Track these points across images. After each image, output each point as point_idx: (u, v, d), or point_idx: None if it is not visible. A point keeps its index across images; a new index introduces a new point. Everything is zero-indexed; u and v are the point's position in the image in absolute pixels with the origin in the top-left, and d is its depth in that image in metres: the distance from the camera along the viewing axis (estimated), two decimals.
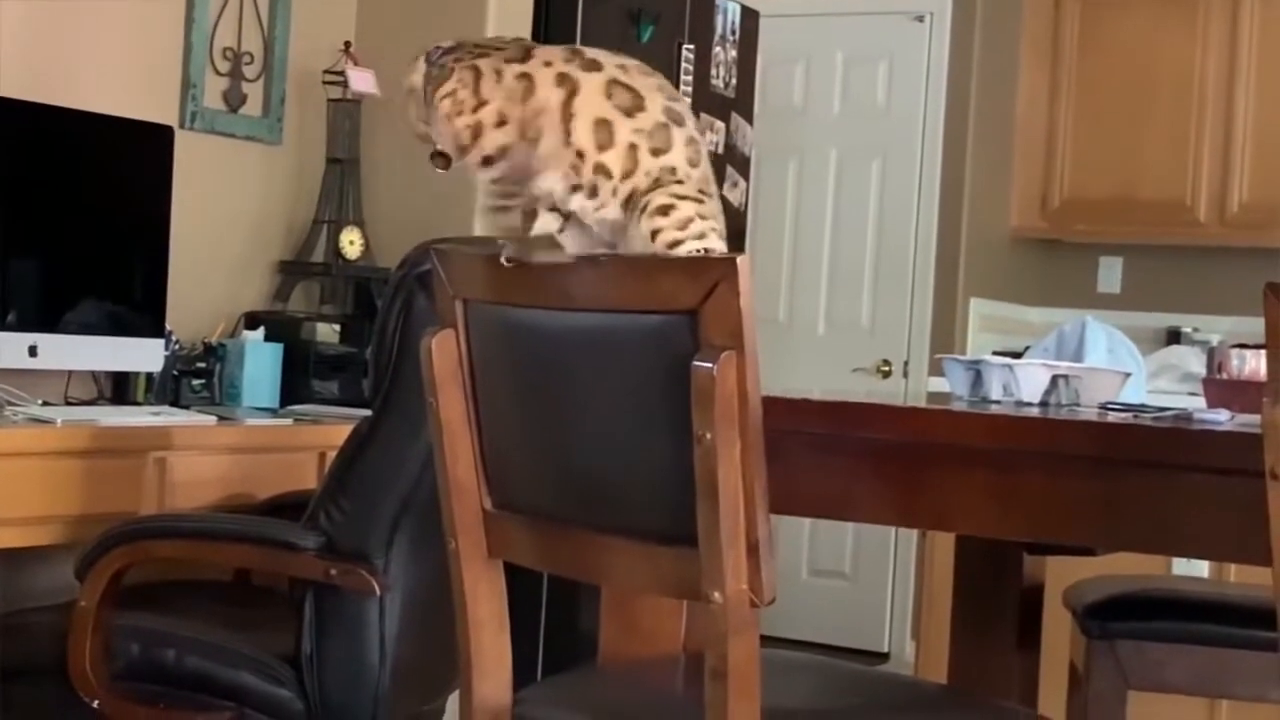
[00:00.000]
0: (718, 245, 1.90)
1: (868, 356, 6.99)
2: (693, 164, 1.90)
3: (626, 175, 1.89)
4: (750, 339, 1.76)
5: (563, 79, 1.88)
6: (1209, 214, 6.71)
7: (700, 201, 1.90)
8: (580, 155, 1.88)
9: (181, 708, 3.03)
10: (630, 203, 1.90)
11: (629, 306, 1.86)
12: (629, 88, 1.89)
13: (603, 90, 1.88)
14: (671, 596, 1.87)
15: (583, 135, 1.88)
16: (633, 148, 1.88)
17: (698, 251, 1.88)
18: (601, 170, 1.89)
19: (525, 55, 1.90)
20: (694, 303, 1.77)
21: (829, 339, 7.09)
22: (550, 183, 1.90)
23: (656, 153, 1.89)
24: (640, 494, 1.88)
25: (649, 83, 1.91)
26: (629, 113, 1.88)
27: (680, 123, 1.91)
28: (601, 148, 1.88)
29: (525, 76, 1.88)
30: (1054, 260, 7.34)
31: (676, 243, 1.88)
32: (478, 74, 1.89)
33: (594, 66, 1.89)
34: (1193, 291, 7.01)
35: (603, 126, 1.88)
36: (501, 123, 1.89)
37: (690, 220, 1.88)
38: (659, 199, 1.88)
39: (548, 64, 1.89)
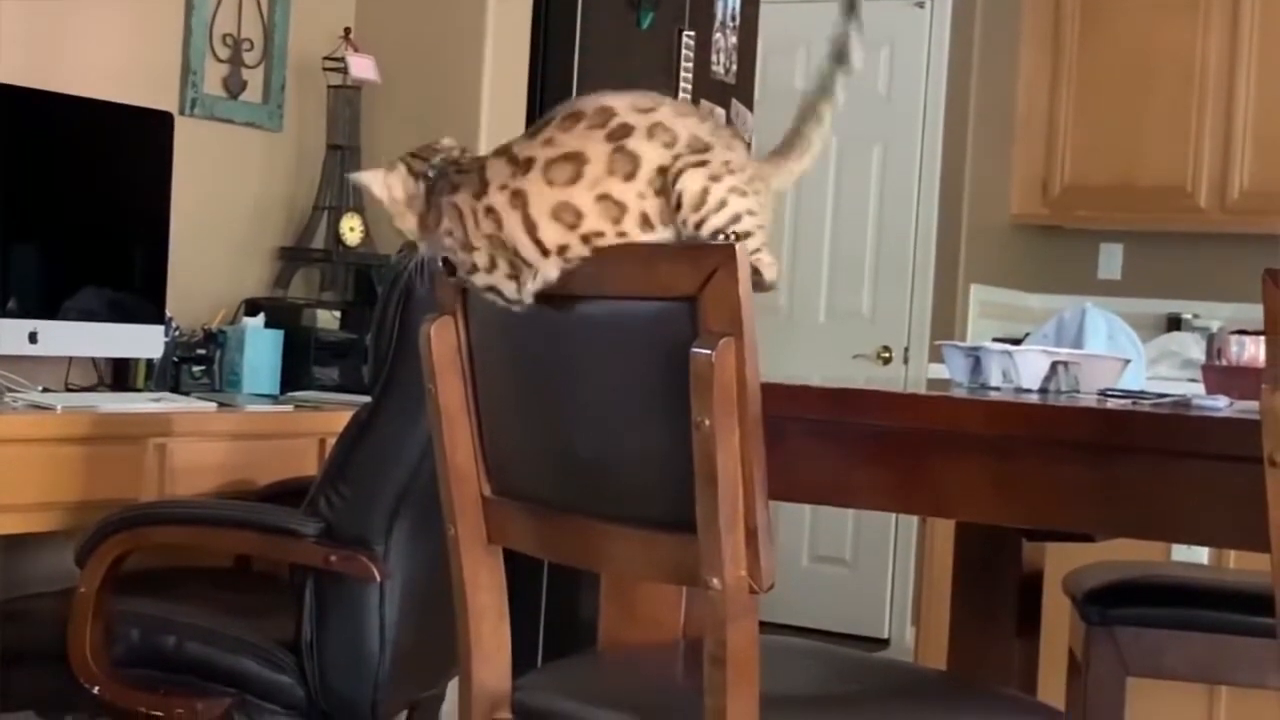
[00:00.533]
0: (738, 204, 1.88)
1: (868, 343, 6.99)
2: (669, 145, 1.88)
3: (617, 219, 1.87)
4: (749, 325, 1.76)
5: (515, 197, 1.87)
6: (1210, 200, 6.70)
7: (702, 164, 1.88)
8: (562, 249, 1.87)
9: (182, 693, 3.03)
10: (652, 221, 1.88)
11: (628, 293, 1.86)
12: (563, 158, 1.87)
13: (542, 182, 1.86)
14: (670, 583, 1.87)
15: (551, 235, 1.87)
16: (602, 197, 1.86)
17: (729, 222, 1.86)
18: (591, 237, 1.87)
19: (482, 186, 1.88)
20: (693, 289, 1.77)
21: (830, 326, 7.09)
22: (549, 273, 1.89)
23: (629, 177, 1.87)
24: (639, 480, 1.88)
25: (578, 132, 1.87)
26: (574, 180, 1.86)
27: (628, 134, 1.87)
28: (574, 225, 1.87)
29: (491, 211, 1.88)
30: (1054, 247, 7.33)
31: (702, 223, 1.87)
32: (460, 215, 1.89)
33: (527, 165, 1.86)
34: (1193, 278, 7.01)
35: (564, 209, 1.86)
36: (492, 266, 1.90)
37: (704, 194, 1.87)
38: (682, 200, 1.87)
39: (502, 187, 1.87)
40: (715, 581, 1.78)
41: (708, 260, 1.76)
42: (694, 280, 1.77)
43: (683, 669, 2.20)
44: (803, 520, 7.04)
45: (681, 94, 5.21)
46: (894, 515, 6.84)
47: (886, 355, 6.96)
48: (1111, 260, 7.28)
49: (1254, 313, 1.78)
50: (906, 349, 6.92)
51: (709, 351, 1.75)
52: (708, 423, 1.75)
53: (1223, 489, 1.92)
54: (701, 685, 1.80)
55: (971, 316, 6.94)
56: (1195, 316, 6.89)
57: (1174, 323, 6.95)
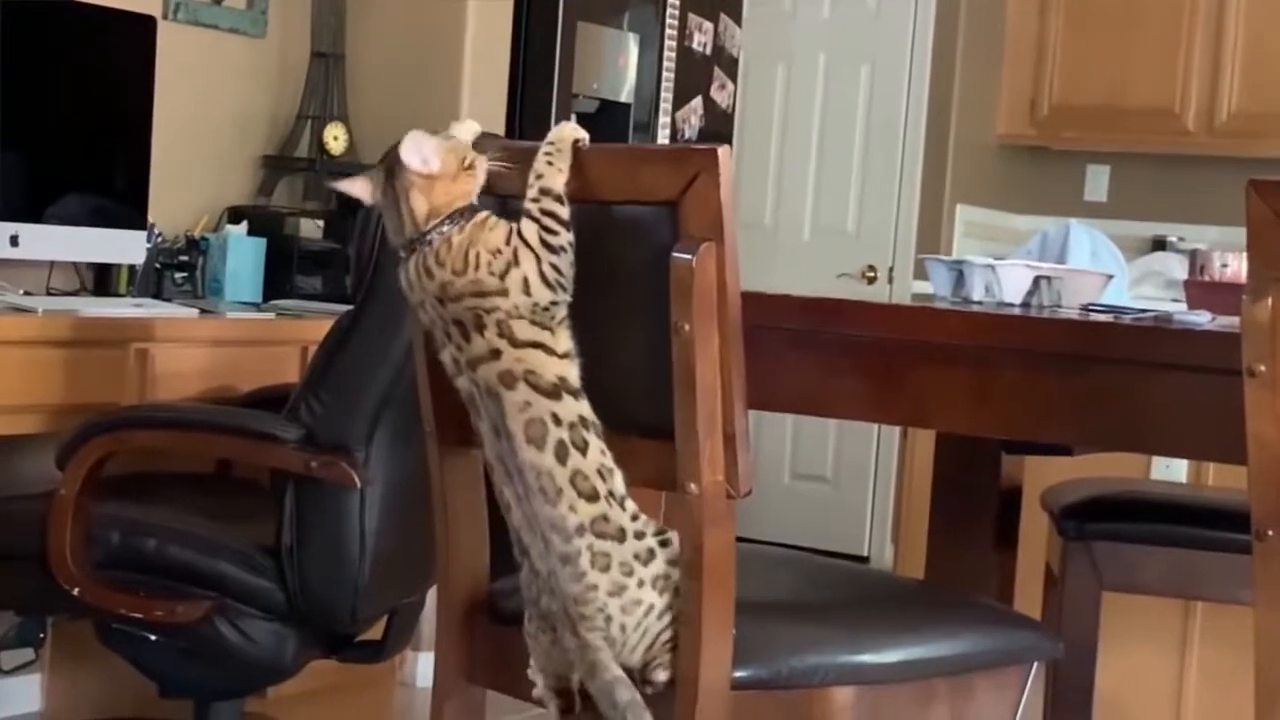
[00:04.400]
0: None
1: (853, 262, 6.98)
2: None
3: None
4: (730, 231, 1.76)
5: None
6: (1198, 122, 6.69)
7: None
8: None
9: (161, 596, 3.03)
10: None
11: (610, 198, 1.86)
12: None
13: None
14: (649, 488, 1.87)
15: None
16: None
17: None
18: None
19: None
20: (674, 194, 1.77)
21: (815, 244, 7.08)
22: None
23: None
24: (619, 385, 1.88)
25: None
26: None
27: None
28: None
29: None
30: (1041, 168, 7.32)
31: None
32: None
33: None
34: (1179, 200, 7.00)
35: None
36: None
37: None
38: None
39: None
40: (693, 487, 1.79)
41: (689, 165, 1.76)
42: (675, 185, 1.77)
43: None
44: (784, 437, 7.05)
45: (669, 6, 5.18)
46: (875, 433, 6.85)
47: (871, 274, 6.95)
48: (1098, 182, 7.26)
49: (1239, 236, 1.78)
50: (891, 268, 6.91)
51: (689, 256, 1.75)
52: (687, 328, 1.75)
53: (1202, 401, 1.92)
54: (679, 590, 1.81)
55: (957, 236, 6.93)
56: (1180, 239, 6.89)
57: (1159, 245, 6.94)
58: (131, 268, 4.06)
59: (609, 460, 1.84)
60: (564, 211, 1.85)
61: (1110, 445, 2.13)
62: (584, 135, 1.89)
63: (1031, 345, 2.05)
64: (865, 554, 6.91)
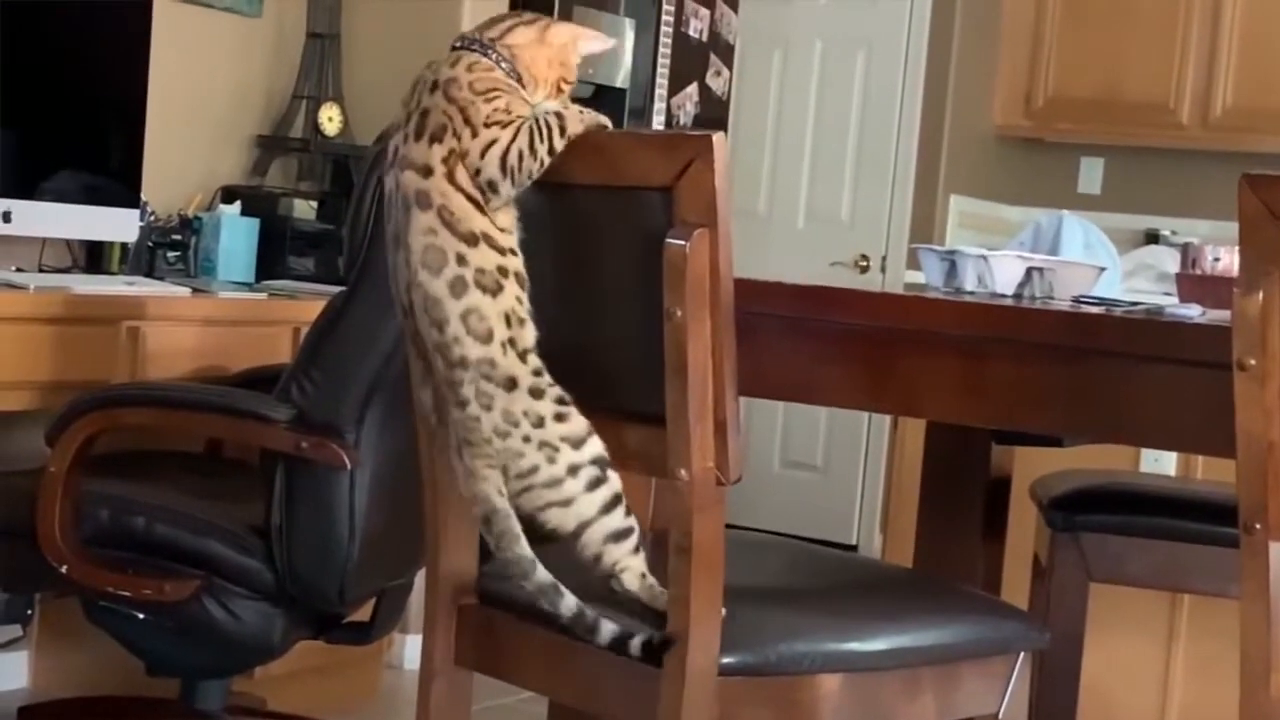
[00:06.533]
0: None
1: (846, 250, 6.98)
2: None
3: None
4: (724, 217, 1.76)
5: None
6: (1192, 116, 6.70)
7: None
8: None
9: (150, 574, 3.03)
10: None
11: (604, 182, 1.86)
12: None
13: None
14: (639, 473, 1.88)
15: None
16: None
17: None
18: None
19: None
20: (668, 179, 1.77)
21: (808, 232, 7.08)
22: None
23: None
24: (612, 371, 1.89)
25: None
26: None
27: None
28: None
29: None
30: (1036, 160, 7.32)
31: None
32: None
33: None
34: (1173, 194, 7.00)
35: None
36: None
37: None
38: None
39: None
40: (683, 473, 1.79)
41: (684, 151, 1.76)
42: (670, 170, 1.77)
43: (651, 560, 2.21)
44: (774, 425, 7.05)
45: None
46: (866, 422, 6.86)
47: (864, 263, 6.95)
48: (1092, 174, 7.27)
49: (1231, 230, 1.78)
50: (884, 258, 6.91)
51: (683, 242, 1.75)
52: (680, 313, 1.75)
53: (1192, 394, 1.93)
54: (668, 576, 1.81)
55: (950, 226, 6.93)
56: (1173, 233, 6.89)
57: (1152, 238, 6.95)
58: (124, 246, 4.05)
59: (523, 311, 1.83)
60: (560, 144, 1.83)
61: (1100, 437, 2.13)
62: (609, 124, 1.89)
63: (1023, 336, 2.05)
64: (854, 543, 6.91)
